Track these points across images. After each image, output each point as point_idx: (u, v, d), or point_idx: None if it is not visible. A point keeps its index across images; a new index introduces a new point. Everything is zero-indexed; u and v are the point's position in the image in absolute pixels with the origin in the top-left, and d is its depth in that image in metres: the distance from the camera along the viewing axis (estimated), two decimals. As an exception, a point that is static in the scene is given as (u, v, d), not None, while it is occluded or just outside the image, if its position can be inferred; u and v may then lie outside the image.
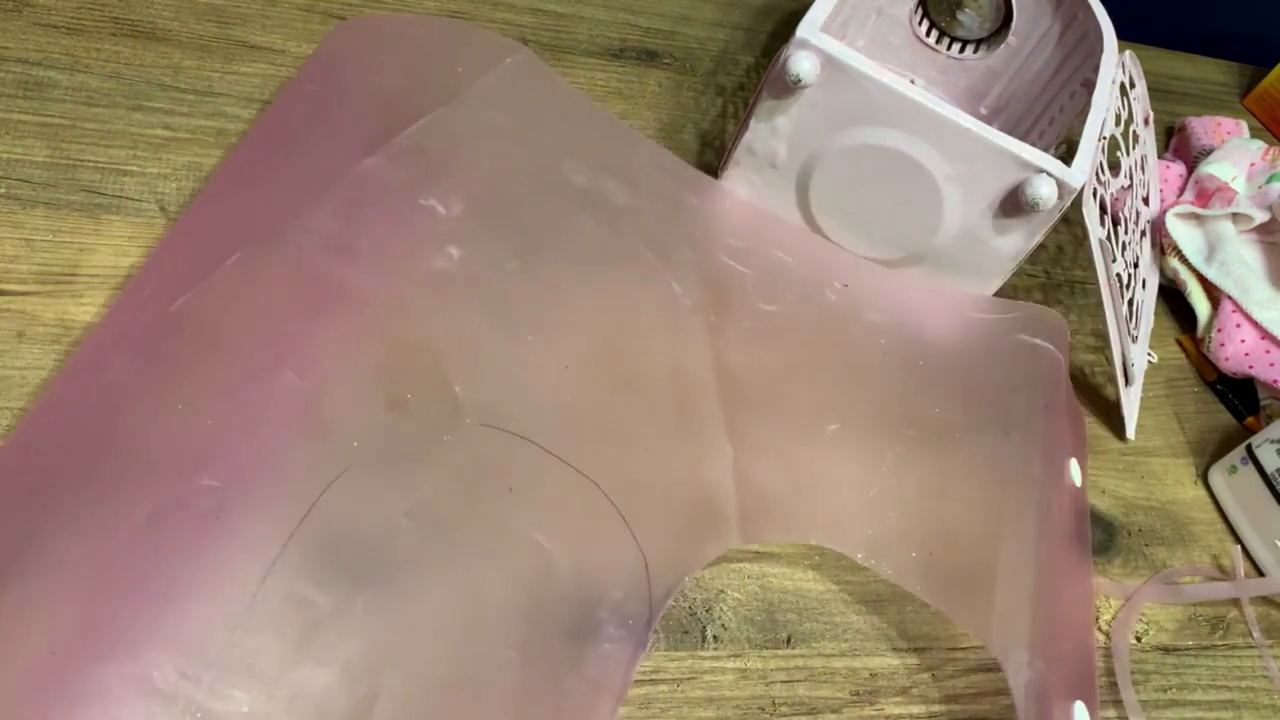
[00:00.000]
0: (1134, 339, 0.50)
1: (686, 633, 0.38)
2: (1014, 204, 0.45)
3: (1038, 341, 0.47)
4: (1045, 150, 0.44)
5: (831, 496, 0.40)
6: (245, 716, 0.30)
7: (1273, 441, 0.47)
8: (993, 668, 0.40)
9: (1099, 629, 0.42)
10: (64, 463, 0.32)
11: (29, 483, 0.32)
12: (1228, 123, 0.65)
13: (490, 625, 0.34)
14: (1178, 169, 0.62)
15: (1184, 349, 0.57)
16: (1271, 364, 0.52)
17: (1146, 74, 0.61)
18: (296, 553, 0.33)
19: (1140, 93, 0.57)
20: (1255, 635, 0.44)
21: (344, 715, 0.31)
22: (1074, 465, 0.44)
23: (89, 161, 0.43)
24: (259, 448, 0.34)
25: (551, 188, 0.45)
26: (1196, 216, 0.57)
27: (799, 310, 0.45)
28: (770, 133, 0.46)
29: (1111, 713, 0.40)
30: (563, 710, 0.33)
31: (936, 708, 0.38)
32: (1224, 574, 0.46)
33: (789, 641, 0.38)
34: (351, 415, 0.36)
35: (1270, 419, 0.52)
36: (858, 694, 0.38)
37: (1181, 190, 0.60)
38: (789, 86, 0.44)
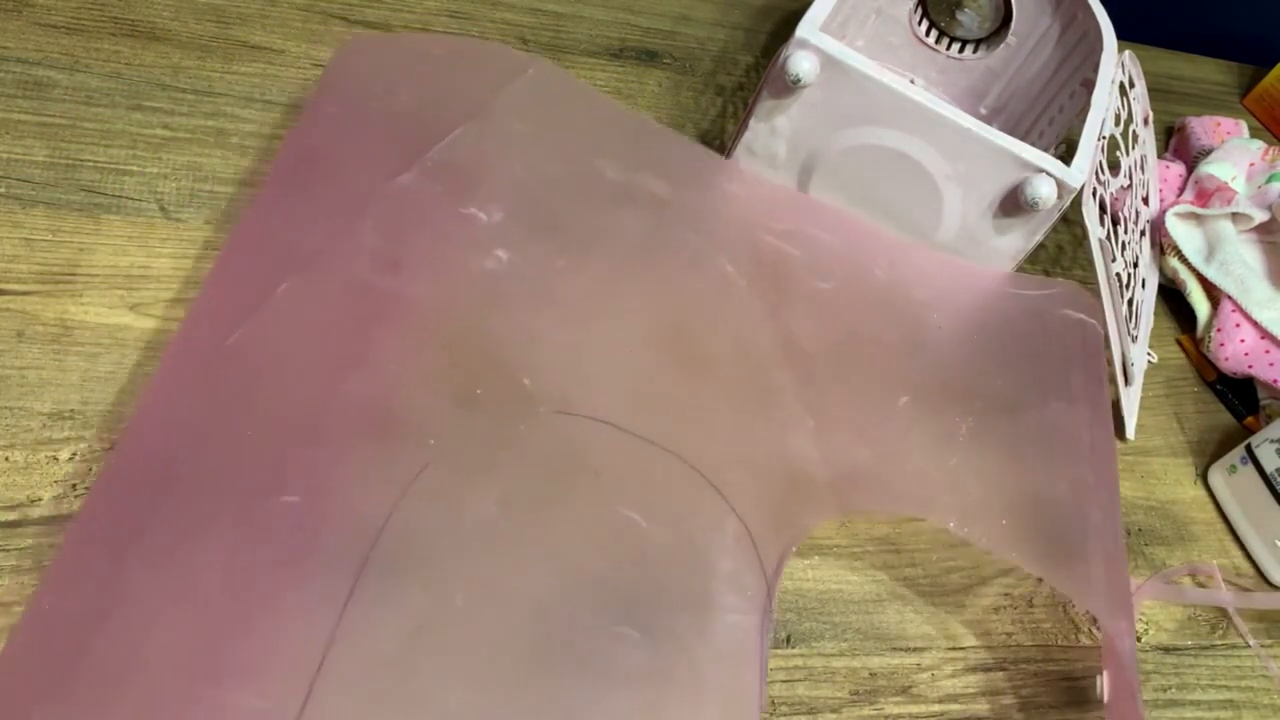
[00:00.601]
0: (1134, 339, 0.50)
1: (686, 632, 0.38)
2: (1014, 203, 0.45)
3: (1082, 316, 0.48)
4: (1045, 150, 0.44)
5: (914, 467, 0.40)
6: None
7: (1272, 441, 0.47)
8: (993, 667, 0.40)
9: (1098, 629, 0.42)
10: (145, 503, 0.32)
11: (115, 524, 0.31)
12: (1227, 123, 0.65)
13: (602, 605, 0.34)
14: (1177, 169, 0.62)
15: (1184, 349, 0.57)
16: (1271, 364, 0.52)
17: (1146, 74, 0.61)
18: (386, 555, 0.32)
19: (1140, 92, 0.57)
20: (1251, 643, 0.44)
21: (471, 714, 0.30)
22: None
23: (89, 161, 0.43)
24: (333, 458, 0.34)
25: (588, 187, 0.45)
26: (1196, 216, 0.57)
27: (851, 288, 0.46)
28: (770, 132, 0.46)
29: (1111, 712, 0.40)
30: (705, 682, 0.33)
31: (936, 708, 0.38)
32: (1234, 575, 0.46)
33: (789, 641, 0.38)
34: (422, 415, 0.36)
35: (1270, 419, 0.52)
36: (857, 694, 0.38)
37: (1181, 190, 0.60)
38: (788, 86, 0.44)
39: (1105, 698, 0.38)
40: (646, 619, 0.34)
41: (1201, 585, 0.46)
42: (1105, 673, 0.39)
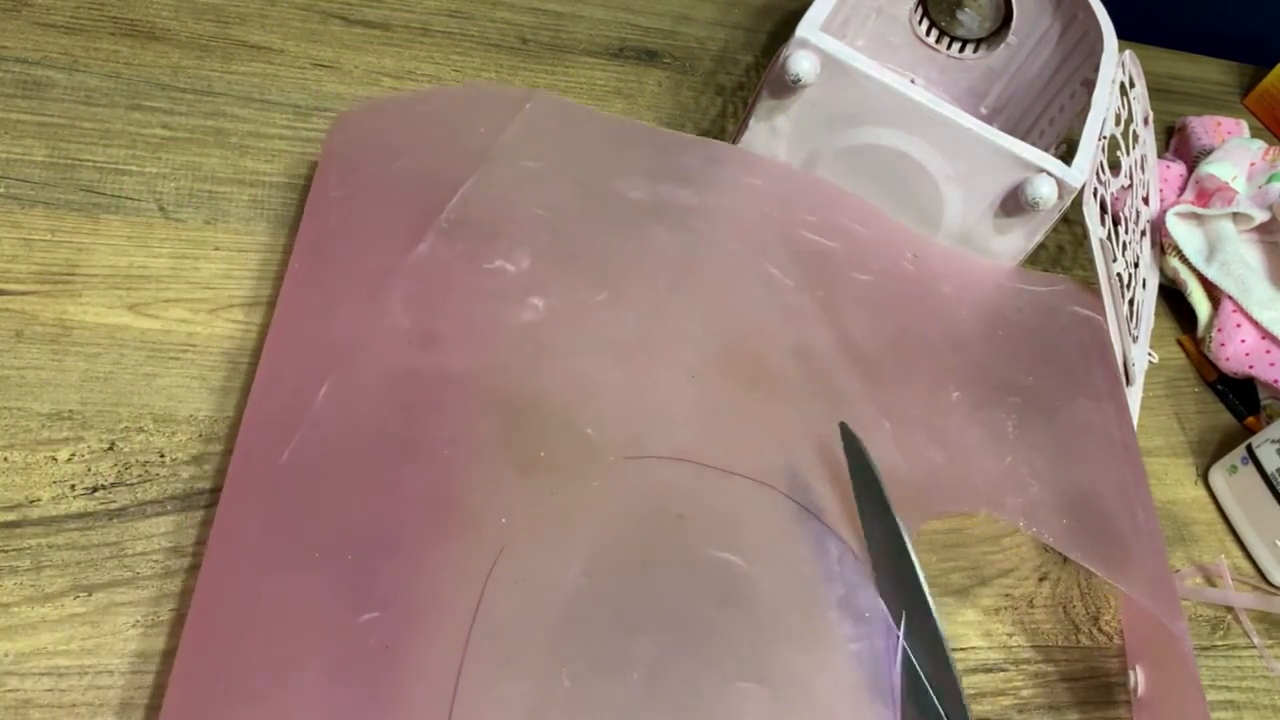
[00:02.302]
0: (1134, 339, 0.50)
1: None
2: (1014, 203, 0.44)
3: (1089, 313, 0.47)
4: (1045, 150, 0.44)
5: (978, 465, 0.39)
6: None
7: (1273, 441, 0.47)
8: (993, 668, 0.40)
9: (1098, 630, 0.42)
10: (230, 650, 0.30)
11: (208, 676, 0.30)
12: (1228, 122, 0.65)
13: (715, 659, 0.31)
14: (1178, 169, 0.62)
15: (1184, 349, 0.57)
16: (1272, 364, 0.52)
17: (1146, 74, 0.61)
18: (480, 653, 0.30)
19: (1140, 92, 0.57)
20: (1256, 642, 0.44)
21: None
22: None
23: (87, 161, 0.43)
24: (406, 563, 0.32)
25: (612, 211, 0.43)
26: (1197, 216, 0.57)
27: (888, 281, 0.45)
28: (770, 132, 0.46)
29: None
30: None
31: (936, 708, 0.38)
32: (1234, 575, 0.46)
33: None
34: (488, 494, 0.34)
35: (1270, 419, 0.52)
36: (858, 694, 0.38)
37: (1181, 190, 0.60)
38: (789, 86, 0.44)
39: (1140, 692, 0.39)
40: (765, 668, 0.32)
41: (1211, 584, 0.46)
42: (1138, 668, 0.39)
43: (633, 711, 0.30)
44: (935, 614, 0.32)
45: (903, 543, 0.33)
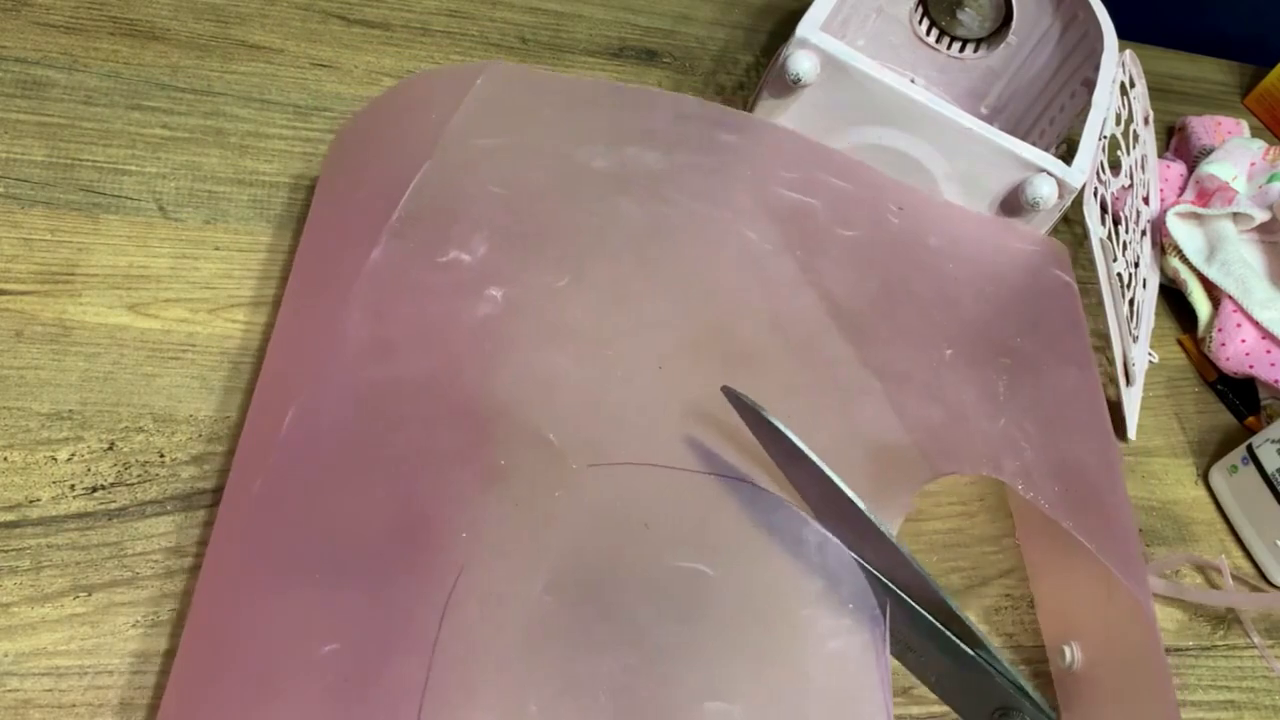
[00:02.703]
0: (1135, 339, 0.50)
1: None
2: (1014, 203, 0.44)
3: (1068, 280, 0.45)
4: (1045, 150, 0.44)
5: (975, 426, 0.37)
6: None
7: (1273, 441, 0.47)
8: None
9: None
10: (208, 679, 0.30)
11: (185, 706, 0.29)
12: (1228, 122, 0.65)
13: (683, 678, 0.30)
14: (1178, 168, 0.62)
15: (1184, 349, 0.57)
16: (1272, 364, 0.52)
17: (1147, 73, 0.61)
18: (442, 682, 0.28)
19: (1140, 92, 0.57)
20: (1255, 640, 0.44)
21: None
22: None
23: (87, 161, 0.43)
24: (364, 591, 0.30)
25: (575, 184, 0.40)
26: (1197, 216, 0.57)
27: (874, 235, 0.42)
28: (770, 132, 0.46)
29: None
30: None
31: (937, 708, 0.38)
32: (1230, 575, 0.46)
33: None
34: (448, 509, 0.31)
35: (1271, 419, 0.52)
36: (858, 694, 0.38)
37: (1182, 190, 0.60)
38: (789, 85, 0.44)
39: (1075, 667, 0.39)
40: (736, 684, 0.30)
41: (1212, 584, 0.46)
42: (1075, 642, 0.39)
43: None
44: (877, 521, 0.30)
45: (822, 472, 0.31)
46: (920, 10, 0.57)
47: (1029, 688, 0.31)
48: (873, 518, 0.31)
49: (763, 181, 0.42)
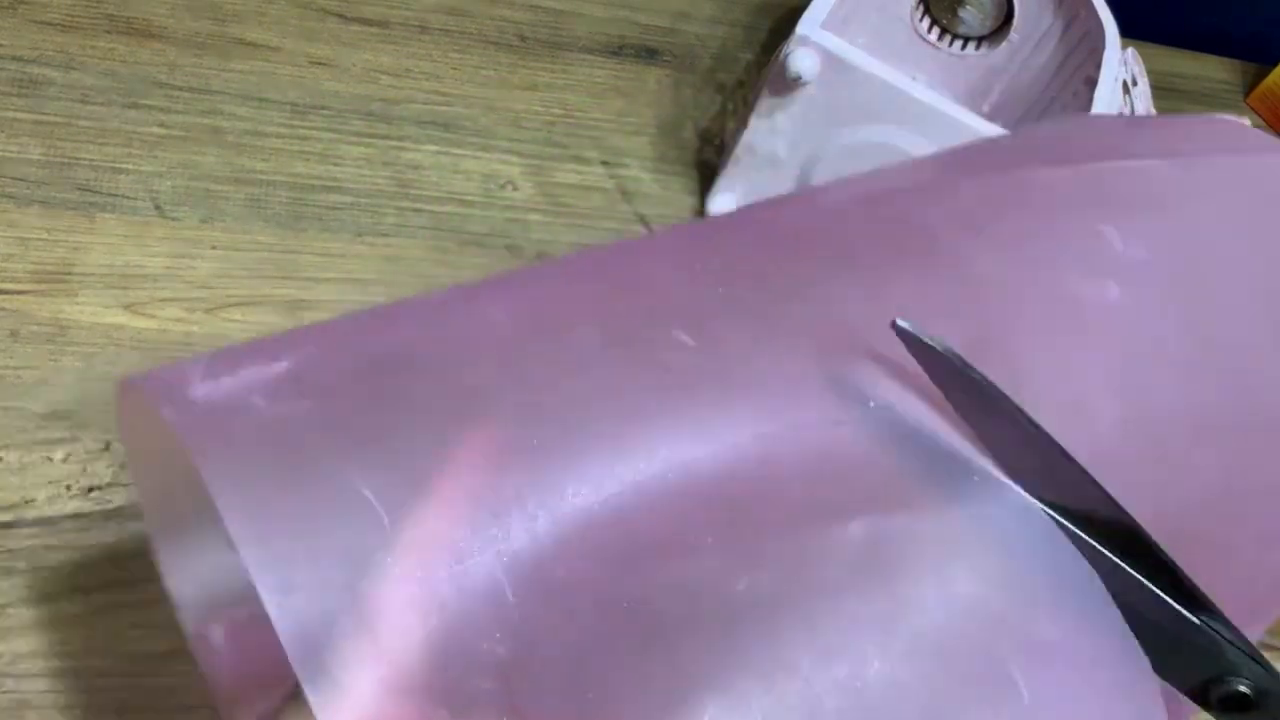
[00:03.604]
0: (1137, 338, 0.50)
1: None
2: (1016, 202, 0.44)
3: None
4: (1048, 148, 0.44)
5: None
6: None
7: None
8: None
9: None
10: None
11: None
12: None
13: None
14: (1180, 167, 0.61)
15: (1186, 348, 0.56)
16: None
17: (1149, 72, 0.61)
18: None
19: (1143, 91, 0.57)
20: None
21: None
22: None
23: (84, 159, 0.42)
24: None
25: None
26: (1199, 215, 0.56)
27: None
28: (770, 130, 0.46)
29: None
30: None
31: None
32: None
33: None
34: None
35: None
36: (859, 696, 0.38)
37: (1184, 188, 0.60)
38: (789, 84, 0.43)
39: None
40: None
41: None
42: None
43: None
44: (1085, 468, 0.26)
45: (1019, 419, 0.27)
46: (922, 8, 0.57)
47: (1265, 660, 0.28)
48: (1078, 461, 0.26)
49: None
